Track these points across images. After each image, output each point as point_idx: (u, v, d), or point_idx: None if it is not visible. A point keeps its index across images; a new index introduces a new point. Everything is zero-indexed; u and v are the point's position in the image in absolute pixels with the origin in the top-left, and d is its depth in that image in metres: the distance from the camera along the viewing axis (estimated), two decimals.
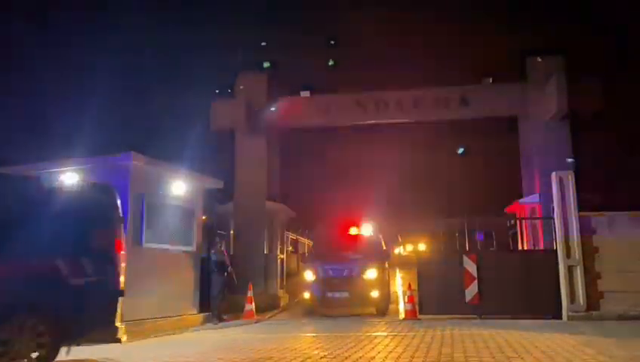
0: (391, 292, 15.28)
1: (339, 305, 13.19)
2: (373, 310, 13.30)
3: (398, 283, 17.81)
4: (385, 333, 9.33)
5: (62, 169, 10.18)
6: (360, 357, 6.67)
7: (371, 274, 12.97)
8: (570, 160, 11.08)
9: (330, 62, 20.65)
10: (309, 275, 13.39)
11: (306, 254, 17.37)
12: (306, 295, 13.48)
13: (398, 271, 20.37)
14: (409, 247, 39.27)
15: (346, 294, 12.78)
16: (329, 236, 14.44)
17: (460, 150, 21.91)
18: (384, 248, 14.58)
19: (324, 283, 12.95)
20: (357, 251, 13.52)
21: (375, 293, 12.86)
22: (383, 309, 13.20)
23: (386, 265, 14.32)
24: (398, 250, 32.42)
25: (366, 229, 14.18)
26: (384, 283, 13.60)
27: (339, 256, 13.39)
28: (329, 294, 12.82)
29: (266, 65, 18.42)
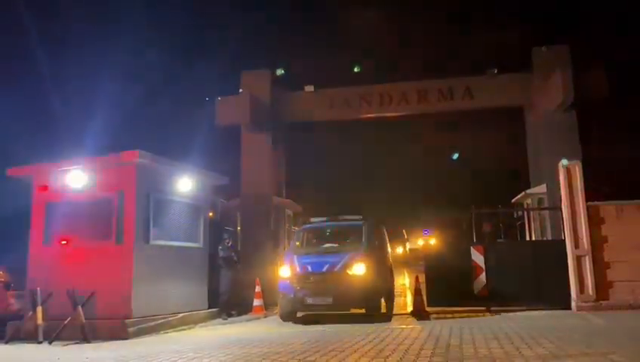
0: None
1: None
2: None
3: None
4: (393, 326, 9.34)
5: (68, 168, 10.26)
6: (369, 350, 6.67)
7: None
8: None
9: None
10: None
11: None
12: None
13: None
14: (420, 241, 39.16)
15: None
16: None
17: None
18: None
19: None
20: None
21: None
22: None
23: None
24: (403, 247, 30.95)
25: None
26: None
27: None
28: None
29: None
